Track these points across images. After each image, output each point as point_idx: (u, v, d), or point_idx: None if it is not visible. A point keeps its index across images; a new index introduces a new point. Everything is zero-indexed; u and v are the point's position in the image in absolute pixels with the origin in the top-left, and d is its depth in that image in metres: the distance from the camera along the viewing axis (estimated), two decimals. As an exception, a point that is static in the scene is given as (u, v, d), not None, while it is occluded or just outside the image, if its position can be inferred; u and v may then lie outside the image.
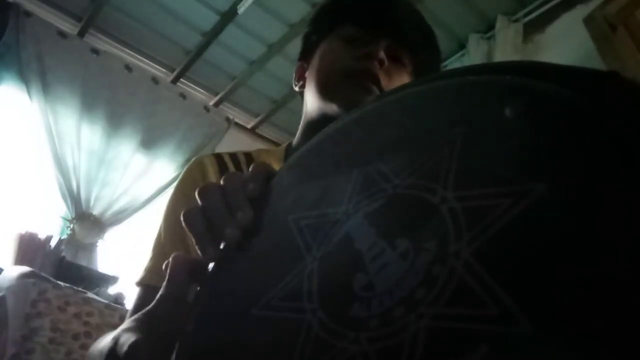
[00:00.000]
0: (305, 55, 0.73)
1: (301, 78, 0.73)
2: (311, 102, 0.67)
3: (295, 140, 0.72)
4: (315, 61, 0.68)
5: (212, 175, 0.66)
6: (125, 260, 2.47)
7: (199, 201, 0.35)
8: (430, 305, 0.21)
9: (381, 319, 0.22)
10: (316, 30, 0.72)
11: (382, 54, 0.61)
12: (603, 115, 0.21)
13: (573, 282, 0.18)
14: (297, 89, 0.74)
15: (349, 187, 0.29)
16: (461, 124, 0.26)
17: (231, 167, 0.68)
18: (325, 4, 0.74)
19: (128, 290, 1.98)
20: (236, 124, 3.02)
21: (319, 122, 0.63)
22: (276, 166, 0.68)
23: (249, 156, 0.70)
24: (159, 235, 0.64)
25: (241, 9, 2.31)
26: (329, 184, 0.31)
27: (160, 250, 0.62)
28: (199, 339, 0.31)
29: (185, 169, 0.69)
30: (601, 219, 0.19)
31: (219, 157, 0.69)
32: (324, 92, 0.64)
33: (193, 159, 0.70)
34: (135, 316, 0.35)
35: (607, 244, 0.18)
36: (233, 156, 0.70)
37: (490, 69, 0.29)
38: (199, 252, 0.33)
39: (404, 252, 0.24)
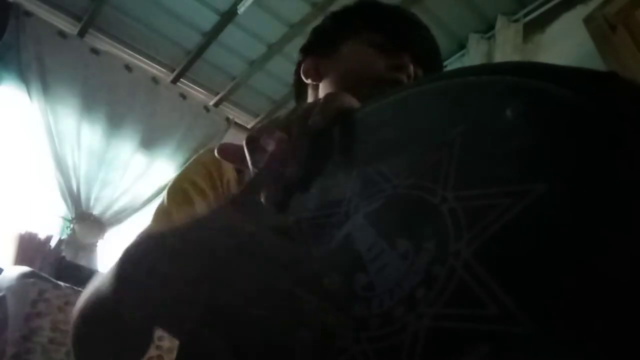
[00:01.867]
0: (319, 51, 0.73)
1: (315, 73, 0.72)
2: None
3: None
4: (339, 60, 0.69)
5: (228, 165, 0.64)
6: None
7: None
8: (430, 305, 0.21)
9: (381, 319, 0.22)
10: (340, 28, 0.73)
11: (411, 69, 0.66)
12: (602, 115, 0.21)
13: (573, 283, 0.18)
14: (308, 81, 0.73)
15: (349, 187, 0.29)
16: (461, 124, 0.26)
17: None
18: (356, 6, 0.75)
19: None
20: (236, 124, 3.02)
21: None
22: None
23: None
24: (162, 204, 0.62)
25: (241, 9, 2.31)
26: (329, 184, 0.31)
27: (165, 216, 0.61)
28: (198, 339, 0.30)
29: (199, 155, 0.68)
30: (601, 220, 0.19)
31: None
32: (352, 93, 0.64)
33: (207, 148, 0.69)
34: None
35: (607, 245, 0.18)
36: None
37: (489, 69, 0.29)
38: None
39: (404, 252, 0.24)
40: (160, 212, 0.62)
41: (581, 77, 0.24)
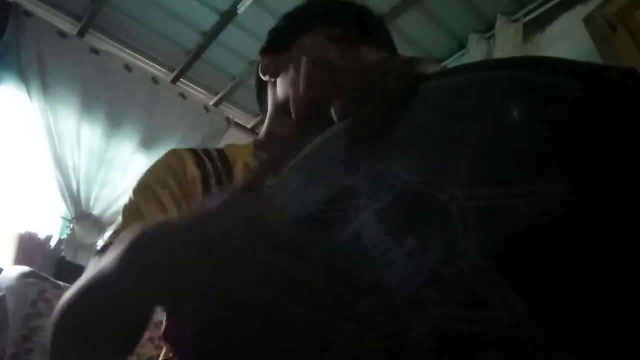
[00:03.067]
0: (276, 49, 0.74)
1: (272, 69, 0.73)
2: (288, 91, 0.68)
3: (265, 130, 0.74)
4: (296, 54, 0.69)
5: (192, 166, 0.66)
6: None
7: None
8: (436, 306, 0.21)
9: (386, 317, 0.22)
10: (296, 25, 0.74)
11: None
12: (601, 112, 0.21)
13: (582, 286, 0.18)
14: (266, 78, 0.74)
15: (358, 183, 0.29)
16: (471, 121, 0.26)
17: (207, 162, 0.68)
18: (310, 4, 0.76)
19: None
20: (236, 124, 3.01)
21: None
22: (247, 160, 0.69)
23: (221, 153, 0.71)
24: (130, 201, 0.64)
25: (241, 9, 2.31)
26: (338, 181, 0.31)
27: (135, 213, 0.62)
28: (206, 331, 0.30)
29: (162, 157, 0.70)
30: (601, 220, 0.19)
31: (194, 152, 0.70)
32: (312, 97, 0.64)
33: (169, 150, 0.71)
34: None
35: (607, 245, 0.18)
36: (206, 152, 0.70)
37: (498, 65, 0.29)
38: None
39: (411, 250, 0.23)
40: (130, 211, 0.63)
41: (586, 72, 0.24)
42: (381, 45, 0.69)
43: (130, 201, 0.64)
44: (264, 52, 0.76)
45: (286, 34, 0.74)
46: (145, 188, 0.64)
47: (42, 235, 2.06)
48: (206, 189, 0.64)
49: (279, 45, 0.73)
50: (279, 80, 0.71)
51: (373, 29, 0.71)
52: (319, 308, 0.24)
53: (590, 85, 0.23)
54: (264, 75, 0.74)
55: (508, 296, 0.19)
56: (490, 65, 0.29)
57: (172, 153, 0.70)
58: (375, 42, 0.68)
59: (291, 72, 0.68)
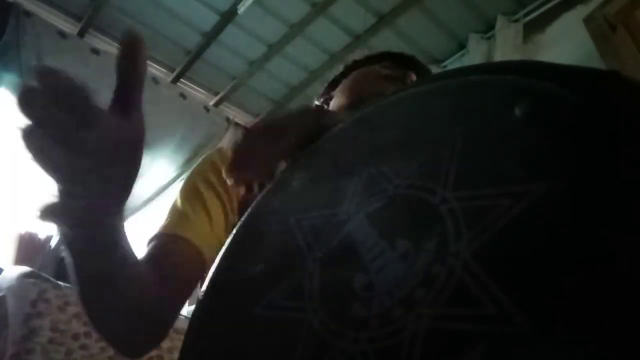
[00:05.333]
0: (333, 86, 0.88)
1: (327, 96, 0.87)
2: (339, 105, 0.81)
3: None
4: (348, 80, 0.84)
5: None
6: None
7: None
8: (429, 306, 0.21)
9: (381, 319, 0.22)
10: (354, 63, 0.88)
11: (413, 76, 0.80)
12: (603, 116, 0.21)
13: (573, 283, 0.18)
14: (319, 102, 0.87)
15: (350, 187, 0.29)
16: (462, 124, 0.26)
17: None
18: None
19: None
20: (236, 124, 3.02)
21: None
22: None
23: None
24: (175, 202, 0.67)
25: (241, 9, 2.31)
26: (331, 185, 0.31)
27: (177, 210, 0.66)
28: (203, 337, 0.31)
29: (208, 154, 0.75)
30: (600, 220, 0.19)
31: None
32: (357, 96, 0.78)
33: (214, 149, 0.76)
34: None
35: (608, 245, 0.18)
36: None
37: (491, 69, 0.29)
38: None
39: (404, 252, 0.24)
40: (173, 209, 0.66)
41: (582, 76, 0.24)
42: (418, 71, 0.85)
43: (175, 201, 0.67)
44: (328, 86, 0.90)
45: (344, 71, 0.89)
46: (189, 186, 0.68)
47: (42, 235, 2.06)
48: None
49: (336, 82, 0.87)
50: (331, 104, 0.84)
51: (411, 61, 0.88)
52: (314, 312, 0.25)
53: (589, 89, 0.23)
54: (319, 99, 0.88)
55: (496, 294, 0.19)
56: (480, 69, 0.30)
57: (218, 150, 0.74)
58: (412, 68, 0.85)
59: (341, 91, 0.83)
